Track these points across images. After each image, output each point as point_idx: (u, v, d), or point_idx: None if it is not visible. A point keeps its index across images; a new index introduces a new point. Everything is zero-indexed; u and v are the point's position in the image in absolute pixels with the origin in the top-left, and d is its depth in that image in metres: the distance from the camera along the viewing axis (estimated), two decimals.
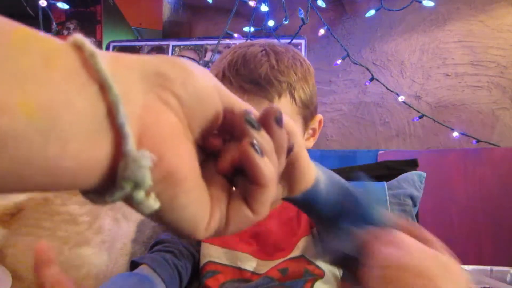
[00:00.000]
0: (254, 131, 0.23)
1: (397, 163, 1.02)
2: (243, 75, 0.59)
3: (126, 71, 0.20)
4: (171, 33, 2.13)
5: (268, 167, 0.23)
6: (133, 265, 0.68)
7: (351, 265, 0.32)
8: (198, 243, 0.72)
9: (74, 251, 0.89)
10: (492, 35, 1.71)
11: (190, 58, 1.88)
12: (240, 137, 0.24)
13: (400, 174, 0.96)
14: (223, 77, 0.61)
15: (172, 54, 1.89)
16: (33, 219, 0.86)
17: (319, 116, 0.71)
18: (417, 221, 0.93)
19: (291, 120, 0.28)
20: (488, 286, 0.75)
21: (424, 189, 0.94)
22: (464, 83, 1.72)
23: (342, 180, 0.37)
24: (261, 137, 0.23)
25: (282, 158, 0.25)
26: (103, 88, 0.18)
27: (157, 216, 0.21)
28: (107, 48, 1.92)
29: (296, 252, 0.68)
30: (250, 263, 0.68)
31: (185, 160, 0.21)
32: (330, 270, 0.68)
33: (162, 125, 0.20)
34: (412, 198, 0.91)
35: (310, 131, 0.71)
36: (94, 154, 0.18)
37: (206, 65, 1.73)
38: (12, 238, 0.87)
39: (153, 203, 0.20)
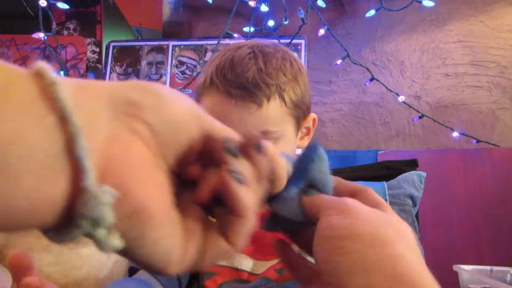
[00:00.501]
0: (234, 159, 0.22)
1: (397, 163, 1.02)
2: (230, 80, 0.58)
3: (92, 100, 0.19)
4: (171, 33, 2.13)
5: (248, 196, 0.22)
6: (132, 271, 0.69)
7: (295, 231, 0.31)
8: None
9: (74, 251, 0.89)
10: (492, 35, 1.71)
11: (190, 58, 1.88)
12: (220, 164, 0.22)
13: (400, 174, 0.96)
14: (211, 83, 0.60)
15: (172, 54, 1.89)
16: None
17: (312, 115, 0.70)
18: (417, 221, 0.93)
19: (271, 145, 0.27)
20: (488, 286, 0.75)
21: (424, 189, 0.94)
22: (464, 83, 1.72)
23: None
24: (241, 165, 0.22)
25: (263, 185, 0.24)
26: (63, 118, 0.17)
27: (123, 253, 0.20)
28: (107, 48, 1.92)
29: None
30: (246, 264, 0.69)
31: (154, 194, 0.20)
32: None
33: (128, 157, 0.19)
34: (412, 198, 0.91)
35: (304, 130, 0.71)
36: (49, 191, 0.17)
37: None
38: (12, 238, 0.87)
39: (116, 242, 0.18)
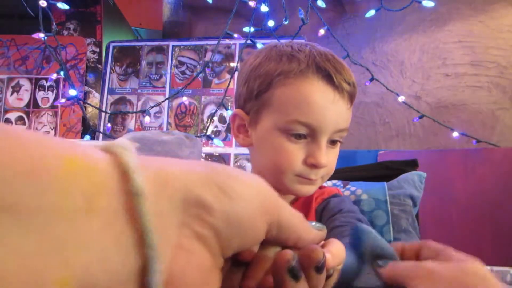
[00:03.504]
0: (294, 282, 0.22)
1: (397, 163, 1.02)
2: (341, 73, 0.56)
3: (166, 199, 0.19)
4: (171, 33, 2.13)
5: None
6: None
7: None
8: None
9: None
10: (492, 35, 1.71)
11: (190, 58, 1.88)
12: (278, 279, 0.22)
13: (400, 174, 0.96)
14: (319, 70, 0.55)
15: (172, 54, 1.89)
16: None
17: None
18: (417, 221, 0.93)
19: (339, 250, 0.26)
20: None
21: (424, 189, 0.94)
22: (464, 83, 1.72)
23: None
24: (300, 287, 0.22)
25: None
26: (141, 238, 0.17)
27: None
28: (107, 48, 1.92)
29: None
30: None
31: None
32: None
33: (190, 269, 0.19)
34: (412, 198, 0.91)
35: None
36: None
37: (206, 65, 1.73)
38: None
39: None
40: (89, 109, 1.92)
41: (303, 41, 0.63)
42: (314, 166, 0.55)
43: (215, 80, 1.85)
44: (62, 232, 0.14)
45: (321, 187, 0.66)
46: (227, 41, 1.83)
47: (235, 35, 1.64)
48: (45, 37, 1.52)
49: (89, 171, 0.16)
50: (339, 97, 0.56)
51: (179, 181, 0.19)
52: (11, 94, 1.90)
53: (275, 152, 0.56)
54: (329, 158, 0.57)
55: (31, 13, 1.54)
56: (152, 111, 1.80)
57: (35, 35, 1.52)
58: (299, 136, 0.55)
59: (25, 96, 1.90)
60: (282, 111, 0.55)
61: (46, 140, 0.15)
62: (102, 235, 0.16)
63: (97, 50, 1.97)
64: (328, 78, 0.55)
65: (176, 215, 0.19)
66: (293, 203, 0.65)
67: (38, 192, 0.14)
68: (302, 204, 0.64)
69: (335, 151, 0.60)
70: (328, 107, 0.55)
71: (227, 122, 1.79)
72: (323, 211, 0.62)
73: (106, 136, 1.74)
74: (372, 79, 1.62)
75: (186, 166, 0.20)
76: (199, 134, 1.73)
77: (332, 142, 0.58)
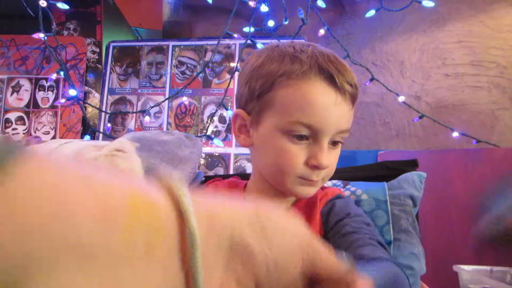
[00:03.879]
0: None
1: (397, 163, 1.02)
2: (343, 75, 0.55)
3: (216, 242, 0.19)
4: (171, 33, 2.13)
5: None
6: None
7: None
8: None
9: None
10: (492, 35, 1.71)
11: (190, 58, 1.88)
12: None
13: (400, 174, 0.96)
14: (321, 71, 0.54)
15: (172, 54, 1.89)
16: None
17: None
18: (417, 221, 0.93)
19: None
20: (488, 286, 0.75)
21: (424, 189, 0.94)
22: (464, 83, 1.72)
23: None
24: None
25: None
26: (190, 278, 0.18)
27: None
28: (107, 48, 1.92)
29: None
30: None
31: None
32: None
33: None
34: (412, 198, 0.91)
35: None
36: None
37: (206, 65, 1.73)
38: None
39: None
40: (89, 109, 1.92)
41: (305, 41, 0.63)
42: (316, 167, 0.55)
43: (215, 80, 1.85)
44: (123, 275, 0.15)
45: (323, 188, 0.66)
46: (227, 41, 1.83)
47: (235, 35, 1.64)
48: (45, 37, 1.52)
49: (150, 214, 0.17)
50: (341, 99, 0.55)
51: (226, 221, 0.20)
52: (11, 94, 1.90)
53: (276, 153, 0.55)
54: (330, 159, 0.56)
55: (31, 13, 1.54)
56: (152, 111, 1.80)
57: (35, 35, 1.52)
58: (300, 137, 0.54)
59: (25, 96, 1.90)
60: (284, 112, 0.54)
61: (110, 181, 0.16)
62: (160, 276, 0.16)
63: (97, 50, 1.97)
64: (331, 79, 0.55)
65: (222, 256, 0.19)
66: (294, 205, 0.64)
67: (104, 235, 0.14)
68: (305, 205, 0.63)
69: (336, 152, 0.60)
70: (330, 108, 0.54)
71: (227, 122, 1.79)
72: (329, 213, 0.61)
73: (106, 136, 1.74)
74: (372, 79, 1.62)
75: (230, 206, 0.21)
76: (199, 134, 1.73)
77: (334, 143, 0.58)
